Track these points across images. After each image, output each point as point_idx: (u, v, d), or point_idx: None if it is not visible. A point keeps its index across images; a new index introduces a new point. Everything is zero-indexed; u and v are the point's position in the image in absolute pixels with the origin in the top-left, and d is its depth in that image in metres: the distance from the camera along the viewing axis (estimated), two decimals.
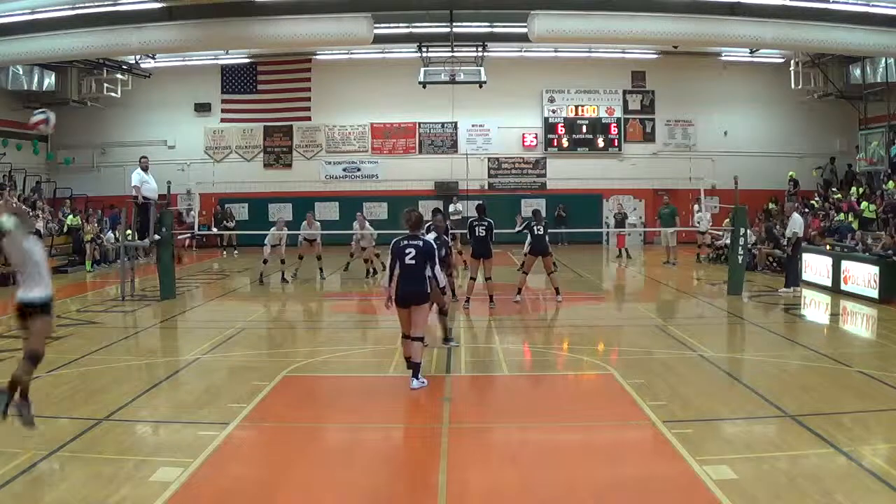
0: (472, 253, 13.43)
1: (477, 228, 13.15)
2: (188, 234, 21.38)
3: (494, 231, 13.17)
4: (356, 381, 8.46)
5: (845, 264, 14.83)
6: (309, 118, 28.04)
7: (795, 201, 23.53)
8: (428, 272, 7.80)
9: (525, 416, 7.22)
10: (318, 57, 27.31)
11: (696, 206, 21.45)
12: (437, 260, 7.90)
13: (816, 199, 23.74)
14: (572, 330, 12.26)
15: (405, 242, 7.83)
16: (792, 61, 25.43)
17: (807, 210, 22.46)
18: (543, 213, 23.39)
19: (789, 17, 17.50)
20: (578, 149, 27.81)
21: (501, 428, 6.88)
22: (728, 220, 18.02)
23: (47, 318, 6.09)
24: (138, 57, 25.15)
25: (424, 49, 21.87)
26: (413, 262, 7.70)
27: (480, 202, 15.09)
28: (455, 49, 21.48)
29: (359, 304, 15.18)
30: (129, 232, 16.17)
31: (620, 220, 24.38)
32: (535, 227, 13.68)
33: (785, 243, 15.95)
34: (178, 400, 7.71)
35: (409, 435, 6.81)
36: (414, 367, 7.81)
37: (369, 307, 14.60)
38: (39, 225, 19.92)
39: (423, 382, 7.80)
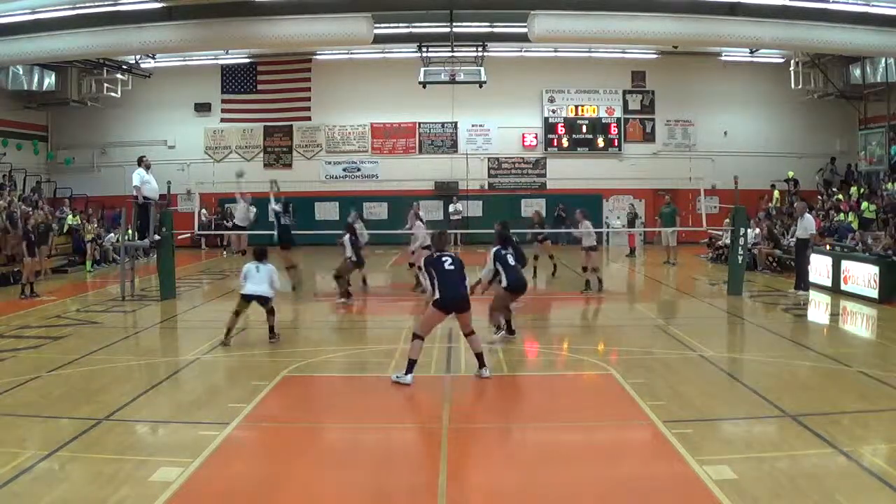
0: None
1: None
2: (187, 234, 21.32)
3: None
4: (356, 381, 8.46)
5: (845, 264, 14.82)
6: (309, 118, 28.05)
7: (800, 199, 23.51)
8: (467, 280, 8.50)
9: (525, 416, 7.22)
10: (318, 57, 27.32)
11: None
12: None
13: (818, 198, 23.69)
14: (572, 330, 12.26)
15: (438, 254, 8.49)
16: (792, 61, 25.41)
17: (810, 209, 22.41)
18: (543, 214, 22.34)
19: (789, 17, 17.48)
20: (578, 149, 27.80)
21: (501, 428, 6.88)
22: (728, 219, 18.00)
23: None
24: (138, 57, 25.13)
25: (424, 49, 21.88)
26: (452, 267, 8.28)
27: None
28: (455, 49, 21.46)
29: (358, 304, 15.15)
30: (129, 232, 16.18)
31: (631, 220, 24.38)
32: (508, 257, 10.03)
33: (795, 242, 15.84)
34: (178, 400, 7.71)
35: (409, 435, 6.81)
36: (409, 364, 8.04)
37: (368, 307, 14.61)
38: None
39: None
